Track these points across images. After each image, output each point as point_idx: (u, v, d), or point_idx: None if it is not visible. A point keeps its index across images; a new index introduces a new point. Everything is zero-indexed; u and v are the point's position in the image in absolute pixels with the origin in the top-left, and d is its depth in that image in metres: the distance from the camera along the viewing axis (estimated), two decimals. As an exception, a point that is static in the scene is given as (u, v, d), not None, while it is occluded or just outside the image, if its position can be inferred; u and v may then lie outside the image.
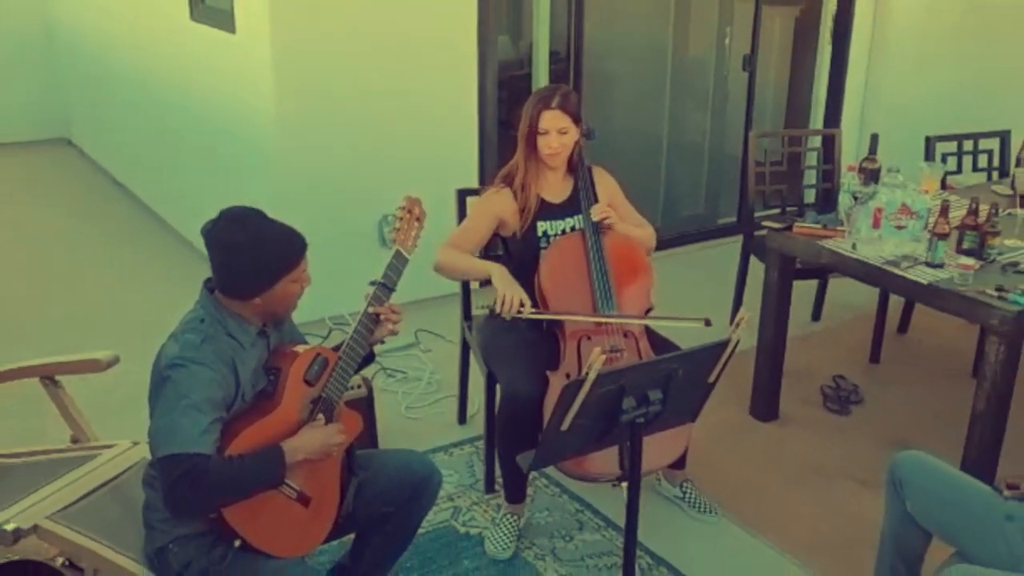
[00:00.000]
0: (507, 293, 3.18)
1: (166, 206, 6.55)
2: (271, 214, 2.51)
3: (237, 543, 2.42)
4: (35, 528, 2.62)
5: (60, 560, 2.66)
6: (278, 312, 2.55)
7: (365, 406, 3.66)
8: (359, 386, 3.67)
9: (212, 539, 2.43)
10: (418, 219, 2.77)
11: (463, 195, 3.83)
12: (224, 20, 5.06)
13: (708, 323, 3.20)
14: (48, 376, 3.19)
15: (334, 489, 2.62)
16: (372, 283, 2.64)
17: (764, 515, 3.60)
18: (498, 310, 3.17)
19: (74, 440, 3.22)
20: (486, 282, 3.36)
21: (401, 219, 2.75)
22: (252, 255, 2.43)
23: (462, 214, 3.78)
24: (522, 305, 3.18)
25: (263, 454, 2.40)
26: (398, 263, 2.67)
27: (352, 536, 2.82)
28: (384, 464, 2.77)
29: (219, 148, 5.49)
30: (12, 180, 7.57)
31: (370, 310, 2.61)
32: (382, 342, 2.74)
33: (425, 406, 4.32)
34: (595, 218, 3.35)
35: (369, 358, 2.78)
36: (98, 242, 6.29)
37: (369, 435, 3.68)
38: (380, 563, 2.86)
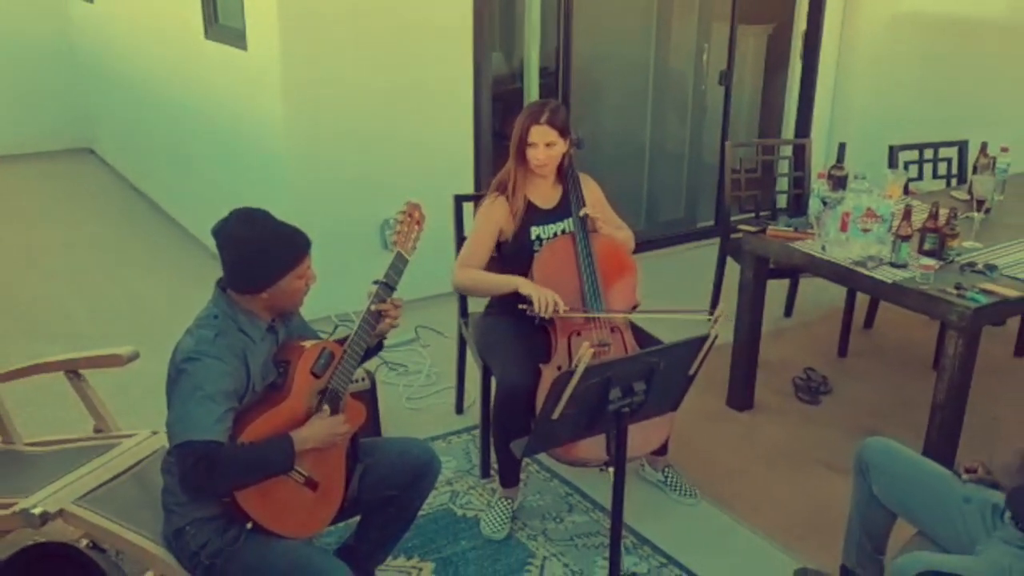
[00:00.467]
0: (543, 296, 3.17)
1: (182, 211, 6.54)
2: (280, 218, 2.51)
3: (249, 525, 2.42)
4: (61, 512, 2.63)
5: (85, 541, 2.66)
6: (285, 306, 2.55)
7: (369, 397, 3.65)
8: (363, 379, 3.66)
9: (226, 521, 2.43)
10: (418, 223, 2.77)
11: (460, 200, 3.83)
12: (236, 38, 5.05)
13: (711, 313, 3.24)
14: (72, 370, 3.20)
15: (340, 474, 2.62)
16: (375, 282, 2.63)
17: (740, 498, 3.61)
18: (539, 310, 3.17)
19: (97, 430, 3.23)
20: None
21: (402, 223, 2.74)
22: (259, 250, 2.43)
23: (459, 218, 3.78)
24: (557, 304, 3.19)
25: (274, 442, 2.40)
26: (399, 264, 2.67)
27: (357, 518, 2.81)
28: (387, 451, 2.77)
29: (231, 157, 5.49)
30: (39, 187, 7.57)
31: (372, 307, 2.61)
32: (384, 336, 2.74)
33: (425, 397, 4.32)
34: (580, 215, 3.36)
35: (378, 347, 2.78)
36: (118, 244, 6.29)
37: (373, 424, 3.67)
38: (383, 543, 2.86)
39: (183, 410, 2.33)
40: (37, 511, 2.61)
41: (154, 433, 3.05)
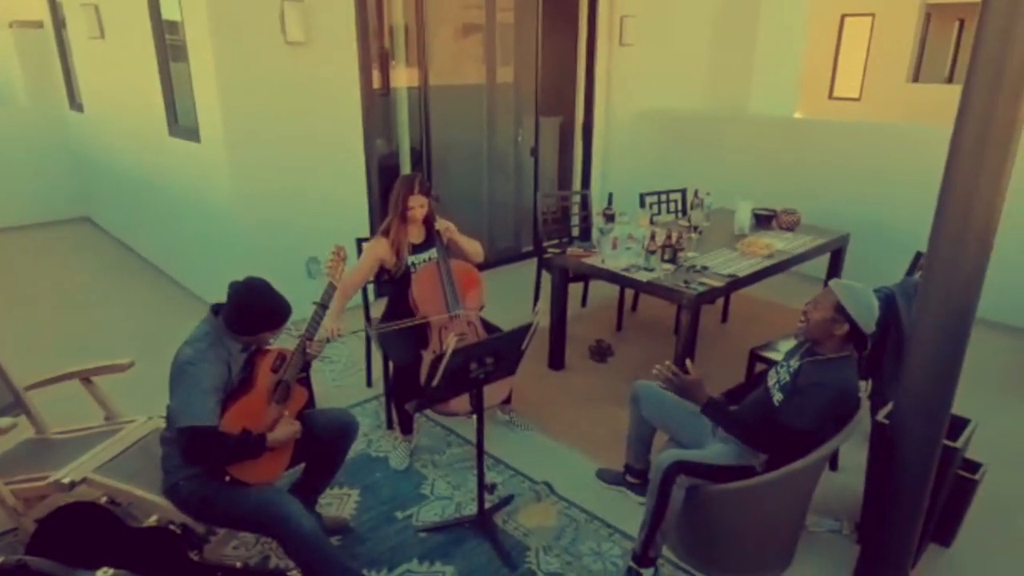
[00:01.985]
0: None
1: (162, 259, 6.17)
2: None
3: (227, 478, 2.35)
4: (85, 479, 2.51)
5: (104, 499, 2.52)
6: (252, 346, 2.48)
7: (306, 381, 3.56)
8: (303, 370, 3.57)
9: (208, 476, 2.35)
10: (343, 259, 2.75)
11: (360, 241, 3.81)
12: (192, 134, 4.82)
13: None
14: (86, 377, 3.02)
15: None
16: (314, 303, 2.59)
17: (558, 427, 3.68)
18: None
19: (106, 419, 3.05)
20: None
21: (332, 259, 2.72)
22: (251, 314, 2.36)
23: (360, 254, 3.74)
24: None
25: (256, 438, 2.35)
26: (330, 290, 2.64)
27: (303, 465, 2.76)
28: (321, 418, 2.73)
29: (195, 218, 5.22)
30: (47, 249, 6.98)
31: (303, 337, 2.55)
32: (313, 357, 2.65)
33: (345, 378, 4.24)
34: (440, 228, 3.38)
35: (307, 366, 2.71)
36: (115, 286, 5.86)
37: (309, 400, 3.58)
38: (322, 481, 2.82)
39: (186, 399, 2.25)
40: (66, 480, 2.48)
41: (150, 418, 2.91)
